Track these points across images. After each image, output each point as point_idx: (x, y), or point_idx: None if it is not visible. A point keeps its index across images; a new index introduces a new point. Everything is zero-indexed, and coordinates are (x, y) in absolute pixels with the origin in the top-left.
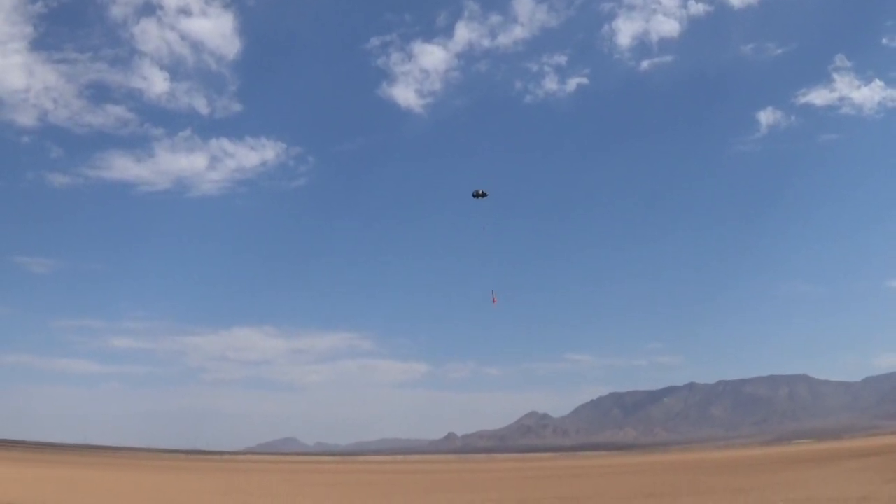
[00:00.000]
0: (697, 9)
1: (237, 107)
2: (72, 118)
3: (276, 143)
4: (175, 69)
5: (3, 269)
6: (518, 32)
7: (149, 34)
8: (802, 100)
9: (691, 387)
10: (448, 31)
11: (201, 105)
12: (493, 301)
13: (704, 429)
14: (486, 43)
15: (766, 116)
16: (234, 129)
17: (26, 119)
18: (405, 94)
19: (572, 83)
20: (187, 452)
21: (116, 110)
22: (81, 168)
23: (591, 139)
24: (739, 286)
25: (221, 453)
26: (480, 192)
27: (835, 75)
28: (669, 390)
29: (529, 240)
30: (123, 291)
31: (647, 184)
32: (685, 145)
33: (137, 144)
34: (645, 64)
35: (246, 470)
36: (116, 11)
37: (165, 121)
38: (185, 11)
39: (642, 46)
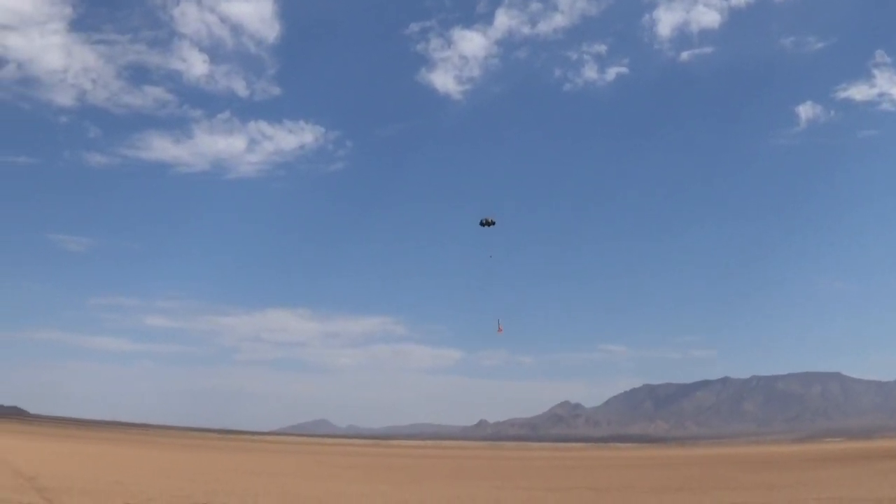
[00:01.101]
0: (738, 0)
1: (276, 90)
2: (110, 99)
3: (314, 126)
4: (214, 52)
5: (39, 246)
6: (558, 20)
7: (188, 16)
8: (842, 95)
9: (724, 381)
10: (488, 18)
11: (240, 87)
12: (499, 330)
13: (736, 424)
14: (525, 30)
15: (805, 111)
16: (273, 112)
17: (64, 99)
18: (444, 80)
19: (612, 72)
20: (219, 432)
21: (155, 91)
22: (119, 148)
23: (630, 129)
24: (775, 281)
25: (253, 433)
26: (489, 220)
27: (875, 71)
28: (702, 384)
29: (565, 229)
30: (158, 271)
31: (685, 175)
32: (723, 137)
33: (176, 126)
34: (685, 55)
35: (277, 451)
36: None
37: (204, 103)
38: None
39: (682, 37)
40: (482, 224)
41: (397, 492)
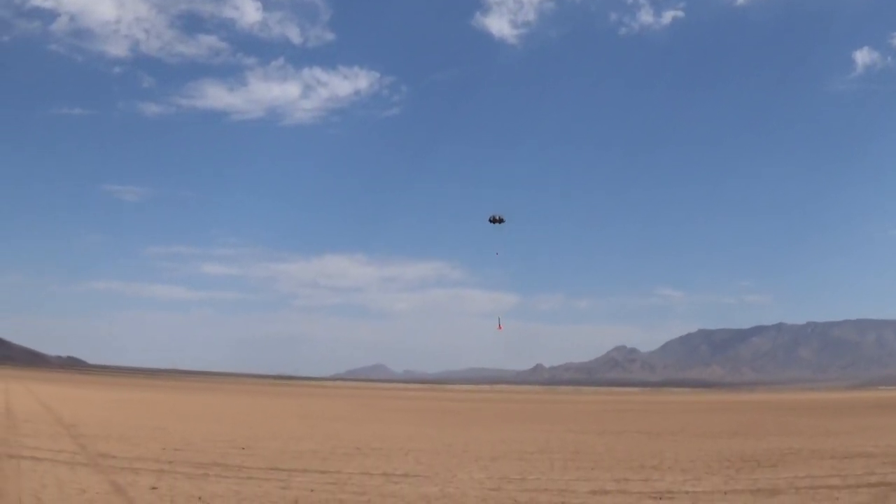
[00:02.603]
0: None
1: (330, 36)
2: (163, 48)
3: (369, 72)
4: None
5: (95, 197)
6: None
7: None
8: None
9: (780, 327)
10: None
11: (294, 34)
12: (499, 327)
13: (791, 370)
14: None
15: (862, 56)
16: (327, 58)
17: (118, 50)
18: (499, 25)
19: (668, 16)
20: (276, 378)
21: (209, 40)
22: (173, 97)
23: (686, 73)
24: (831, 227)
25: (310, 379)
26: (498, 217)
27: None
28: (758, 329)
29: (622, 173)
30: (215, 219)
31: (741, 119)
32: (779, 82)
33: (230, 74)
34: None
35: (329, 395)
36: None
37: (258, 50)
38: None
39: None
40: (491, 221)
41: (444, 435)
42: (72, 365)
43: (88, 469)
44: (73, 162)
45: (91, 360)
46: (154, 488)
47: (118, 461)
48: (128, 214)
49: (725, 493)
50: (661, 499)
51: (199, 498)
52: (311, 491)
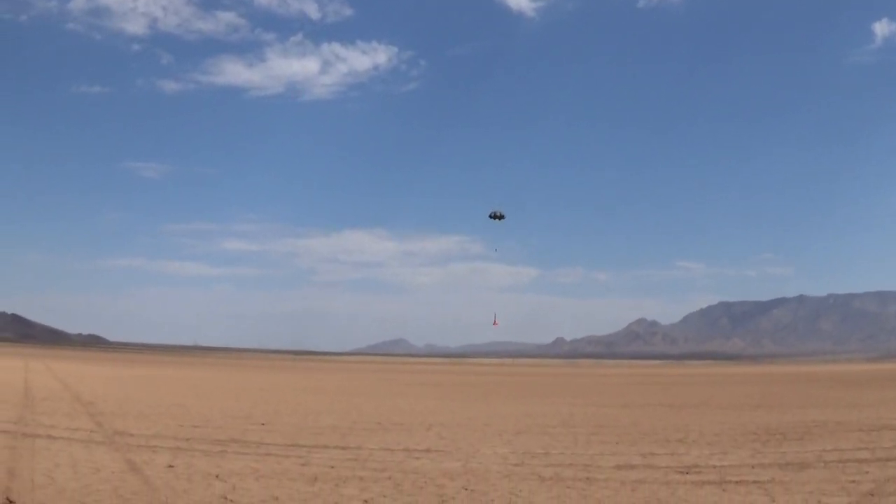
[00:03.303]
0: None
1: (348, 11)
2: (182, 25)
3: (387, 47)
4: None
5: (114, 174)
6: None
7: None
8: None
9: (801, 299)
10: None
11: (312, 10)
12: (495, 323)
13: (812, 342)
14: None
15: (881, 28)
16: (346, 33)
17: (136, 27)
18: None
19: None
20: (297, 353)
21: (227, 16)
22: (192, 74)
23: (705, 45)
24: (852, 198)
25: (331, 354)
26: (498, 213)
27: None
28: (778, 302)
29: (641, 145)
30: (235, 195)
31: (761, 91)
32: (799, 53)
33: (248, 50)
34: None
35: (351, 370)
36: None
37: (276, 26)
38: None
39: None
40: (491, 217)
41: (466, 409)
42: (93, 342)
43: (104, 447)
44: (93, 140)
45: (112, 338)
46: (171, 466)
47: (135, 439)
48: (148, 191)
49: (753, 466)
50: (688, 473)
51: (217, 476)
52: (331, 467)
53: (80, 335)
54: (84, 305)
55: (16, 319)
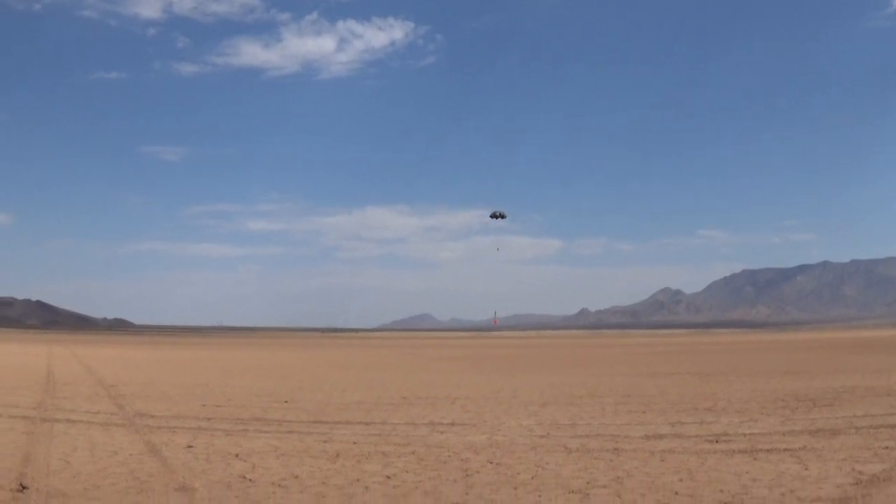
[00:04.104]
0: None
1: None
2: (196, 8)
3: (403, 22)
4: None
5: (134, 158)
6: None
7: None
8: None
9: (824, 265)
10: None
11: None
12: (495, 322)
13: (836, 308)
14: None
15: None
16: (361, 10)
17: (151, 11)
18: None
19: None
20: (322, 331)
21: None
22: (209, 56)
23: (724, 9)
24: (875, 163)
25: (356, 331)
26: (499, 213)
27: None
28: (802, 268)
29: (663, 114)
30: (256, 175)
31: (780, 56)
32: (816, 19)
33: (264, 30)
34: None
35: (375, 346)
36: None
37: (291, 5)
38: None
39: None
40: (493, 217)
41: (491, 381)
42: (119, 326)
43: (124, 430)
44: (112, 126)
45: (138, 321)
46: (190, 447)
47: (156, 420)
48: (169, 175)
49: (784, 434)
50: (717, 442)
51: (237, 455)
52: (354, 444)
53: (105, 319)
54: (109, 290)
55: (41, 306)
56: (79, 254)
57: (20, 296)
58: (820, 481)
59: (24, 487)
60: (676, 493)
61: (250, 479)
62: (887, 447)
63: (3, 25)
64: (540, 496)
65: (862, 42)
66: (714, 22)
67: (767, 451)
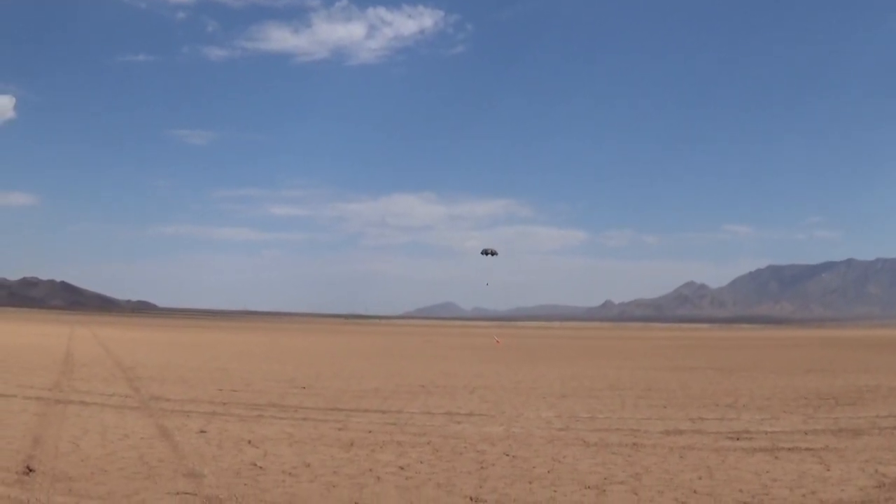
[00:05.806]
0: None
1: None
2: None
3: (433, 10)
4: None
5: (162, 142)
6: None
7: None
8: None
9: (849, 263)
10: None
11: None
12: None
13: (860, 306)
14: None
15: None
16: None
17: None
18: None
19: None
20: (345, 317)
21: None
22: (238, 41)
23: (754, 8)
24: None
25: (380, 318)
26: (490, 250)
27: None
28: (827, 265)
29: (689, 108)
30: (283, 160)
31: (808, 55)
32: (845, 18)
33: (294, 15)
34: None
35: (397, 333)
36: None
37: None
38: None
39: None
40: (483, 253)
41: (512, 372)
42: (142, 309)
43: (137, 413)
44: (140, 108)
45: (162, 304)
46: (202, 432)
47: (171, 404)
48: (195, 158)
49: (805, 433)
50: (738, 439)
51: (249, 441)
52: (369, 432)
53: (129, 302)
54: (133, 273)
55: (65, 287)
56: (104, 236)
57: (45, 276)
58: (842, 483)
59: (30, 470)
60: (695, 492)
61: (261, 467)
62: None
63: (32, 8)
64: (555, 491)
65: (888, 42)
66: (744, 20)
67: (789, 450)
